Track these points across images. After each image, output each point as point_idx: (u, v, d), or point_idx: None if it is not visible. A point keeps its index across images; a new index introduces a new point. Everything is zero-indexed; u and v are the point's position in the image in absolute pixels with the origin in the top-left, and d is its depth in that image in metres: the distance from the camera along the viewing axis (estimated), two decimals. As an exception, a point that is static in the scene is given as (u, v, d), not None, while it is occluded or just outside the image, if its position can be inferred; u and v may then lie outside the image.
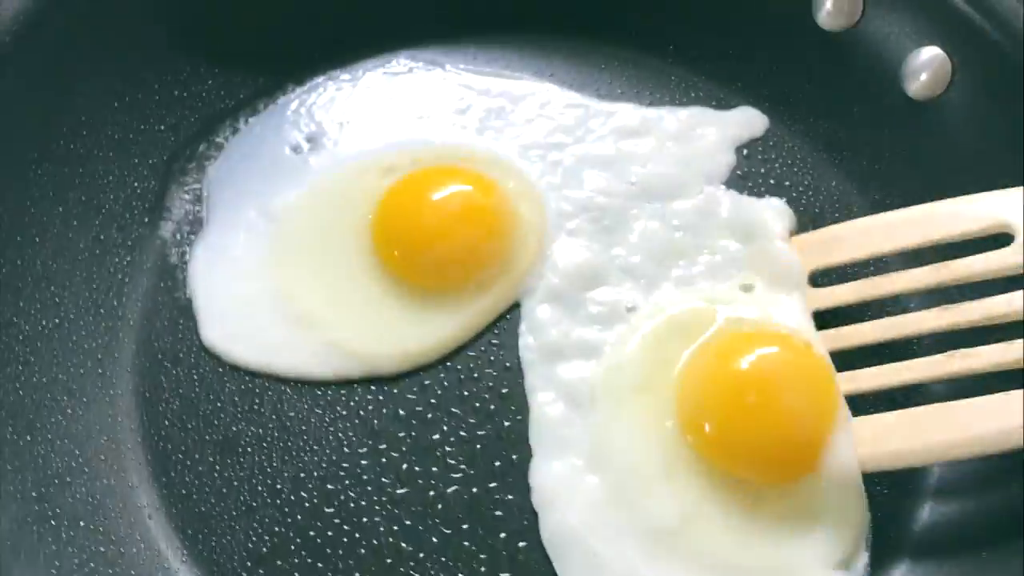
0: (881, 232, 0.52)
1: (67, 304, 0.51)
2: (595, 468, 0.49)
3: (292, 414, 0.51)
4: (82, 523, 0.46)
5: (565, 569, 0.47)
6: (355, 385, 0.52)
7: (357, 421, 0.51)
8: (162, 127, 0.57)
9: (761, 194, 0.59)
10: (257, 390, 0.52)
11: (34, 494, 0.45)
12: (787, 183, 0.60)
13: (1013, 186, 0.49)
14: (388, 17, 0.62)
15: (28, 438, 0.47)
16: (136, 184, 0.56)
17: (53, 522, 0.45)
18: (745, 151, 0.61)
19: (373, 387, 0.52)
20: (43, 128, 0.52)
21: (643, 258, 0.56)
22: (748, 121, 0.62)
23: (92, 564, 0.45)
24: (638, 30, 0.63)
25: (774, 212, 0.57)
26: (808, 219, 0.58)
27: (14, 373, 0.48)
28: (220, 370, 0.52)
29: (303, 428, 0.51)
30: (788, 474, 0.48)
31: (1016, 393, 0.45)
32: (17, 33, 0.50)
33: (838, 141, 0.61)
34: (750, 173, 0.60)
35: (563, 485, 0.49)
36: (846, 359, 0.51)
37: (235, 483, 0.49)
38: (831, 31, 0.60)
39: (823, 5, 0.61)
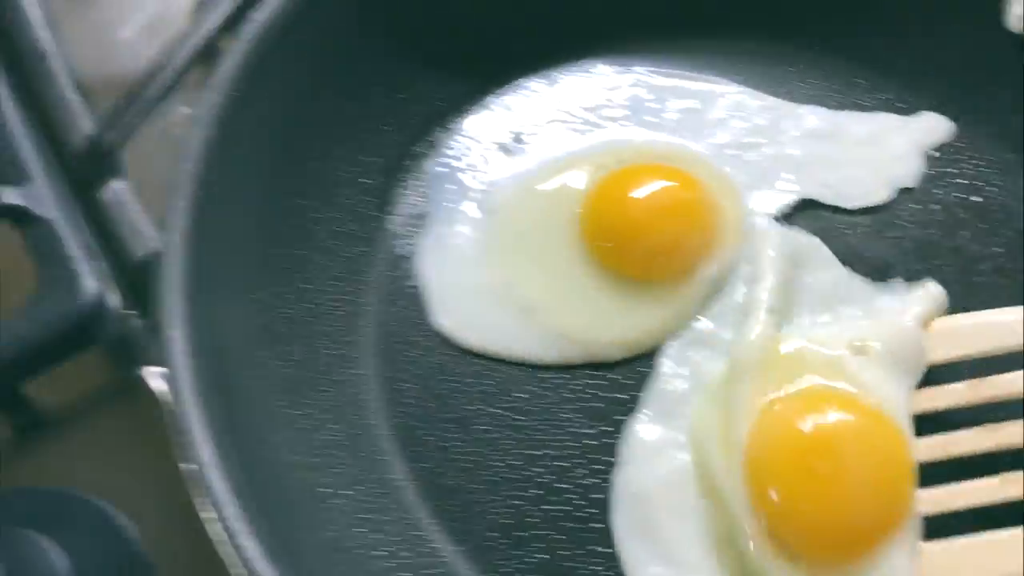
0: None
1: (312, 291, 0.55)
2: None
3: (521, 395, 0.55)
4: (345, 491, 0.50)
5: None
6: (577, 370, 0.55)
7: (582, 404, 0.54)
8: (386, 127, 0.61)
9: (950, 199, 0.61)
10: (487, 372, 0.55)
11: (308, 461, 0.50)
12: (978, 183, 0.62)
13: None
14: (581, 24, 0.65)
15: (297, 412, 0.51)
16: (366, 181, 0.60)
17: (326, 489, 0.49)
18: (938, 153, 0.63)
19: (595, 372, 0.55)
20: (285, 133, 0.56)
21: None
22: (934, 126, 0.64)
23: (358, 527, 0.49)
24: (824, 33, 0.66)
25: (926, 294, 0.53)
26: (1000, 217, 0.60)
27: (281, 351, 0.52)
28: (452, 354, 0.56)
29: (532, 409, 0.54)
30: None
31: None
32: (265, 48, 0.55)
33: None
34: (940, 174, 0.62)
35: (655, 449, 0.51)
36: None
37: (474, 458, 0.53)
38: (1021, 33, 0.62)
39: (1012, 7, 0.62)
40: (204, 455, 0.43)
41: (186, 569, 0.56)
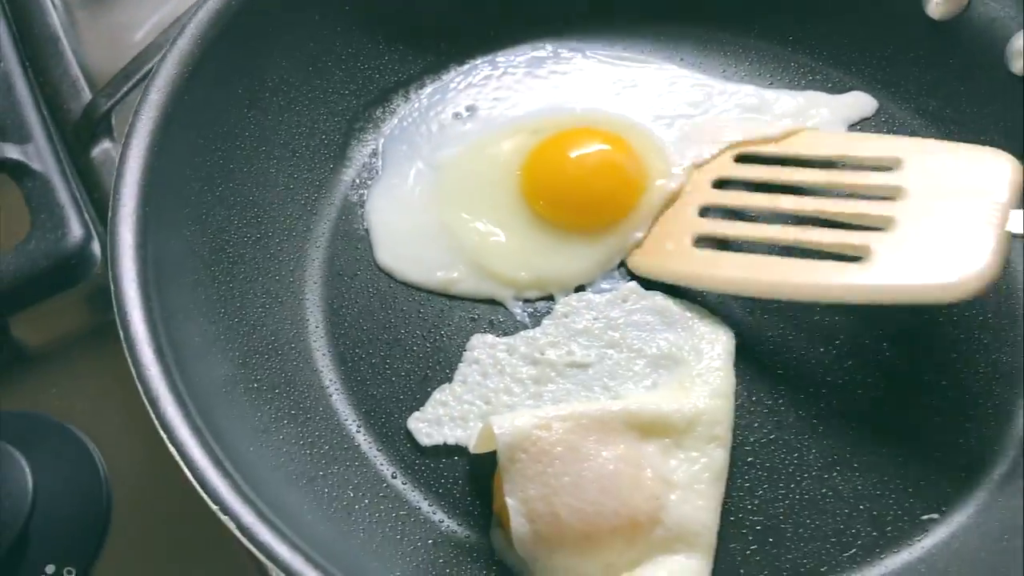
0: (802, 141, 0.63)
1: (266, 223, 0.61)
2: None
3: (448, 324, 0.59)
4: (276, 390, 0.55)
5: None
6: (500, 305, 0.60)
7: (502, 332, 0.59)
8: (346, 92, 0.67)
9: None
10: (421, 302, 0.60)
11: (241, 361, 0.54)
12: (896, 153, 0.66)
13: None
14: (535, 9, 0.71)
15: (236, 319, 0.56)
16: (324, 136, 0.65)
17: (255, 384, 0.54)
18: (859, 127, 0.67)
19: (518, 309, 0.60)
20: (253, 81, 0.62)
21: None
22: (859, 103, 0.68)
23: (284, 422, 0.53)
24: (761, 20, 0.71)
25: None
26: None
27: (226, 270, 0.57)
28: (391, 286, 0.61)
29: (457, 334, 0.59)
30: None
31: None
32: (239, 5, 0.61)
33: (944, 117, 0.67)
34: (863, 143, 0.66)
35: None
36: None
37: (402, 373, 0.57)
38: (939, 19, 0.67)
39: (931, -3, 0.67)
40: (153, 381, 0.47)
41: (138, 488, 0.60)
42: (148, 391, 0.46)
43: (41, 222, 0.65)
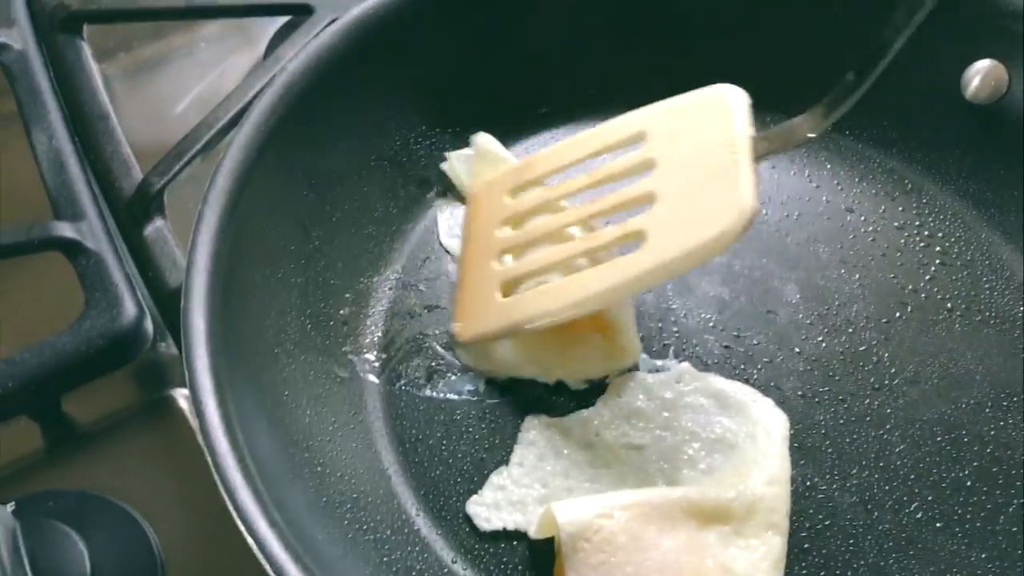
0: (558, 153, 0.62)
1: (325, 304, 0.62)
2: None
3: (504, 404, 0.60)
4: (339, 473, 0.55)
5: None
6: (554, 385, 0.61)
7: (557, 413, 0.60)
8: (400, 170, 0.69)
9: (916, 244, 0.67)
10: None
11: (304, 445, 0.55)
12: (940, 234, 0.67)
13: None
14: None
15: (295, 404, 0.56)
16: (380, 215, 0.67)
17: (318, 468, 0.54)
18: (901, 207, 0.69)
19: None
20: (312, 165, 0.64)
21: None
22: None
23: (348, 506, 0.54)
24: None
25: None
26: (963, 264, 0.66)
27: (288, 351, 0.58)
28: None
29: (512, 415, 0.60)
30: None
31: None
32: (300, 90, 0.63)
33: (986, 200, 0.68)
34: (905, 225, 0.68)
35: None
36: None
37: (459, 455, 0.58)
38: (979, 104, 0.68)
39: (971, 83, 0.69)
40: (228, 470, 0.47)
41: (193, 569, 0.60)
42: (225, 482, 0.46)
43: (96, 300, 0.66)
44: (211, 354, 0.50)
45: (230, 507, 0.45)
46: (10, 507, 0.60)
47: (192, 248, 0.54)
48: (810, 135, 0.57)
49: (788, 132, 0.57)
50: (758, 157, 0.54)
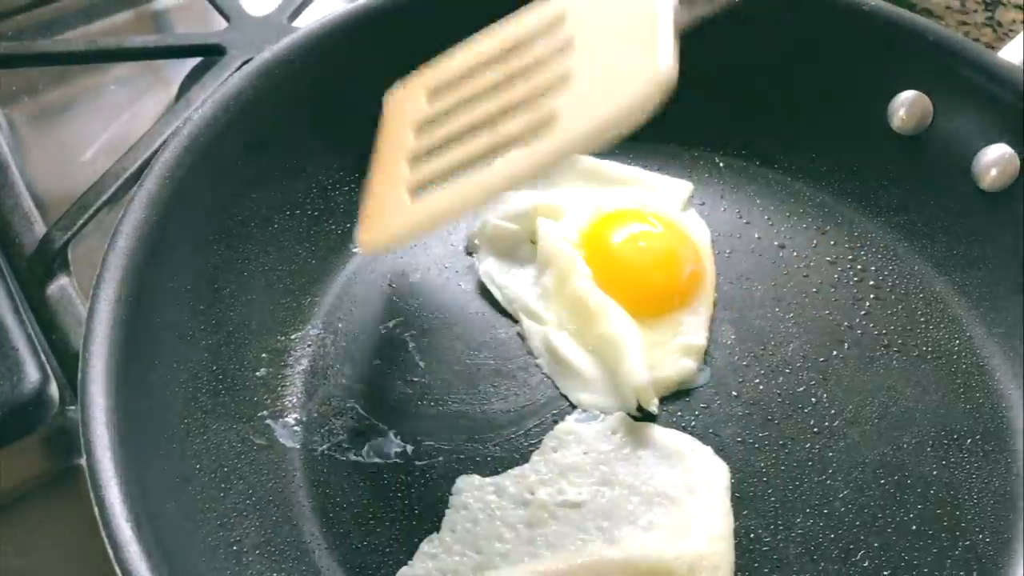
0: (476, 48, 0.57)
1: (240, 367, 0.58)
2: None
3: (434, 467, 0.57)
4: (257, 551, 0.51)
5: None
6: (484, 443, 0.58)
7: (489, 472, 0.57)
8: (320, 219, 0.66)
9: (850, 279, 0.66)
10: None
11: (219, 523, 0.51)
12: (873, 268, 0.66)
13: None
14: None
15: (212, 475, 0.53)
16: (299, 267, 0.64)
17: (234, 548, 0.51)
18: (833, 241, 0.67)
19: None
20: (224, 218, 0.61)
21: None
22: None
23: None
24: (732, 137, 0.72)
25: None
26: (897, 299, 0.65)
27: (200, 421, 0.54)
28: (370, 427, 0.58)
29: (443, 476, 0.56)
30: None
31: None
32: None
33: (917, 231, 0.68)
34: (838, 259, 0.67)
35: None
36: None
37: (386, 523, 0.55)
38: (905, 134, 0.68)
39: (897, 113, 0.68)
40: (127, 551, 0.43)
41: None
42: (121, 561, 0.43)
43: (-5, 368, 0.62)
44: (112, 434, 0.47)
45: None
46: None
47: (89, 317, 0.50)
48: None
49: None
50: (685, 25, 0.51)
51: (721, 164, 0.72)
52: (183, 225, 0.57)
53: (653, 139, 0.70)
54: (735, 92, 0.69)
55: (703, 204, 0.70)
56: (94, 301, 0.51)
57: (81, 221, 0.67)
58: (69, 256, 0.67)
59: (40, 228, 0.69)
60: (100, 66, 0.88)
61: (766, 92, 0.70)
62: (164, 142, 0.60)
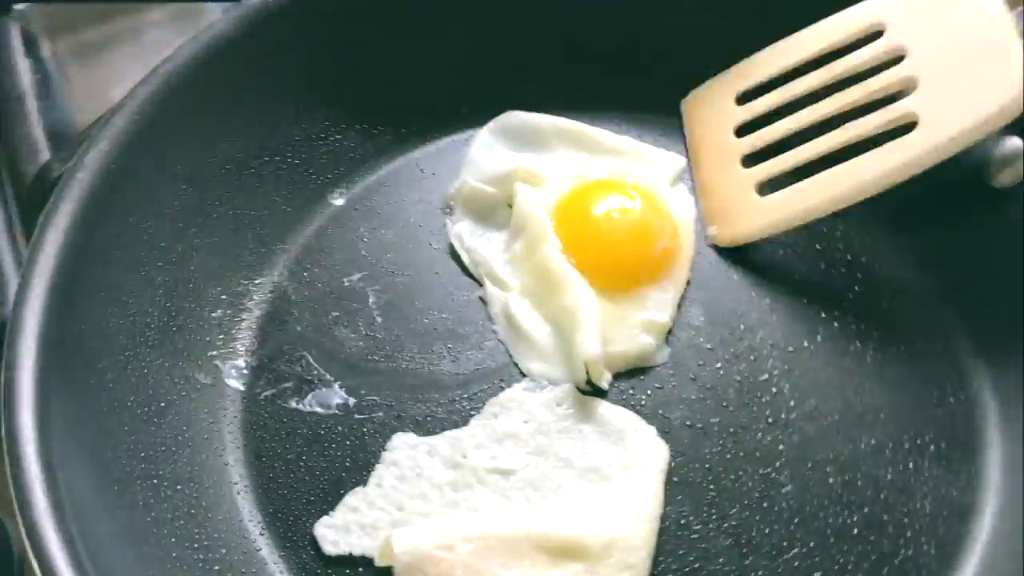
0: (784, 53, 0.63)
1: (193, 304, 0.59)
2: None
3: (373, 420, 0.57)
4: (179, 486, 0.52)
5: None
6: (429, 403, 0.58)
7: (427, 432, 0.56)
8: (303, 169, 0.66)
9: (836, 269, 0.62)
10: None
11: (142, 455, 0.52)
12: (863, 259, 0.63)
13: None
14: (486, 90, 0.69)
15: (148, 407, 0.54)
16: (274, 214, 0.64)
17: (154, 481, 0.52)
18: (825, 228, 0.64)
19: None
20: (199, 157, 0.61)
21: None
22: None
23: (182, 521, 0.51)
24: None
25: None
26: (882, 295, 0.61)
27: (143, 351, 0.55)
28: (317, 377, 0.59)
29: (380, 432, 0.56)
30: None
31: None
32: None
33: (915, 225, 0.64)
34: (828, 248, 0.64)
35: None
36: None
37: (316, 472, 0.55)
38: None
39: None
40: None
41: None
42: (21, 494, 0.44)
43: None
44: (37, 355, 0.48)
45: (20, 522, 0.42)
46: None
47: (36, 237, 0.51)
48: None
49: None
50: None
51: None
52: (148, 161, 0.57)
53: (654, 108, 0.69)
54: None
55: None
56: (43, 225, 0.52)
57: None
58: (65, 188, 0.69)
59: (44, 159, 0.71)
60: (139, 6, 0.90)
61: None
62: (144, 80, 0.60)
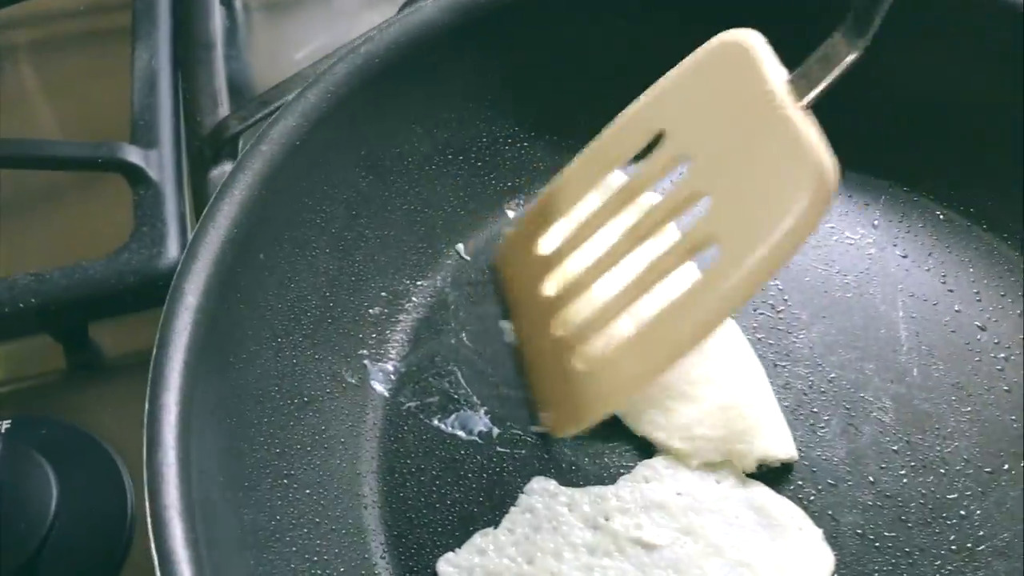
0: (573, 181, 0.55)
1: (353, 295, 0.56)
2: None
3: (515, 457, 0.53)
4: (308, 490, 0.50)
5: None
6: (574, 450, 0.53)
7: (569, 481, 0.52)
8: (483, 174, 0.63)
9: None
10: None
11: (278, 451, 0.49)
12: None
13: None
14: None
15: (281, 401, 0.51)
16: (445, 215, 0.61)
17: (285, 480, 0.49)
18: None
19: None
20: (381, 144, 0.58)
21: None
22: None
23: (306, 529, 0.48)
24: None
25: None
26: None
27: (297, 340, 0.53)
28: (465, 396, 0.55)
29: (520, 470, 0.52)
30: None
31: None
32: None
33: None
34: None
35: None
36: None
37: (448, 501, 0.51)
38: None
39: None
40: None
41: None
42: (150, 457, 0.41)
43: (141, 235, 0.62)
44: (192, 332, 0.46)
45: (148, 511, 0.40)
46: (5, 425, 0.58)
47: (209, 209, 0.49)
48: (853, 56, 0.44)
49: (826, 60, 0.44)
50: (806, 104, 0.44)
51: (941, 216, 0.63)
52: (332, 143, 0.55)
53: (872, 170, 0.63)
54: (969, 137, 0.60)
55: (905, 256, 0.61)
56: (218, 197, 0.50)
57: (258, 116, 0.67)
58: (240, 147, 0.67)
59: (224, 112, 0.70)
60: (335, -30, 0.88)
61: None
62: (340, 56, 0.58)
